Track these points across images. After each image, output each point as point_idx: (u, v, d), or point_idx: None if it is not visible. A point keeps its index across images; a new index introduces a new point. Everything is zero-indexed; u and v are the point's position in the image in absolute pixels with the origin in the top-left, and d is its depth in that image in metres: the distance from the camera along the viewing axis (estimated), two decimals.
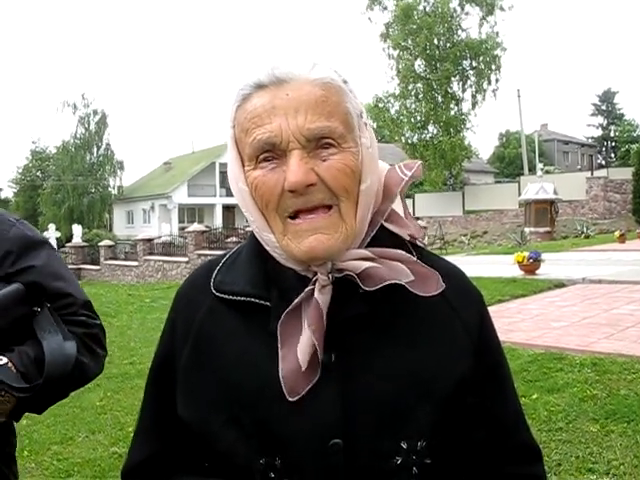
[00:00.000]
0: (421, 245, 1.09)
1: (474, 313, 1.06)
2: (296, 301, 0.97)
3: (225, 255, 1.14)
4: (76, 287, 1.77)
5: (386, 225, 1.04)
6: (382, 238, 1.02)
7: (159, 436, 1.10)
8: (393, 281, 0.95)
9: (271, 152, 0.94)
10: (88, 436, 5.44)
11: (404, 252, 0.99)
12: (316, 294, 0.96)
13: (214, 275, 1.09)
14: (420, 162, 1.10)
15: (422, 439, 0.96)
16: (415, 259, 0.99)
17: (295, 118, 0.93)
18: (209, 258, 1.24)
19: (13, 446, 1.78)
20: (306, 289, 0.97)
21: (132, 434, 4.02)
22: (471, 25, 49.42)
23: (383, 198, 1.04)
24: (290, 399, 0.94)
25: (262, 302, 1.01)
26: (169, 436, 1.07)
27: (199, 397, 1.03)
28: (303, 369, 0.94)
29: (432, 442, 0.96)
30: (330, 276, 0.97)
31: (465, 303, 1.06)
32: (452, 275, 1.07)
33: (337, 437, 0.94)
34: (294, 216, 0.95)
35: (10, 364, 1.49)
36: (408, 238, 1.05)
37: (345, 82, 1.00)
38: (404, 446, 0.95)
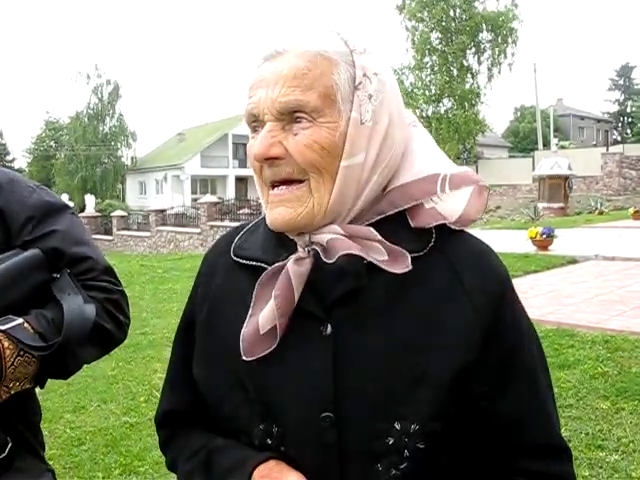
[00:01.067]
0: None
1: (490, 295, 0.99)
2: (272, 267, 0.99)
3: (251, 222, 1.17)
4: (98, 253, 1.74)
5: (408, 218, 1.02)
6: (390, 222, 1.01)
7: (182, 392, 1.15)
8: (348, 251, 0.94)
9: (256, 122, 0.98)
10: (100, 405, 5.49)
11: (372, 230, 0.97)
12: (289, 264, 0.97)
13: (235, 240, 1.13)
14: (482, 184, 1.06)
15: (416, 422, 0.94)
16: (380, 238, 0.96)
17: (273, 91, 0.94)
18: (235, 225, 1.26)
19: (39, 415, 1.77)
20: (290, 258, 0.99)
21: (143, 404, 4.05)
22: None
23: (400, 196, 1.01)
24: (245, 358, 0.97)
25: (267, 267, 1.03)
26: (190, 393, 1.12)
27: (209, 359, 1.07)
28: (261, 333, 0.97)
29: (427, 427, 0.94)
30: (307, 249, 0.98)
31: (482, 284, 1.00)
32: (474, 255, 1.04)
33: (328, 410, 0.95)
34: (272, 187, 0.98)
35: (26, 324, 1.48)
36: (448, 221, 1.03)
37: (352, 51, 0.98)
38: (397, 427, 0.94)
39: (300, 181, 0.96)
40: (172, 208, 29.55)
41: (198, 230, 24.33)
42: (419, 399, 0.94)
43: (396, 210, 1.01)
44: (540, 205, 26.55)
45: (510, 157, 50.69)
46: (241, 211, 25.13)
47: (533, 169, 31.67)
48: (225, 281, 1.11)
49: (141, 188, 56.36)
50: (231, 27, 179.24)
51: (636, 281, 8.97)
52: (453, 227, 1.04)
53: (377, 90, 0.98)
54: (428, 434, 0.94)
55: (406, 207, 1.01)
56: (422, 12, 38.86)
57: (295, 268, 0.97)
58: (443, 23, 38.86)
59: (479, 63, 40.34)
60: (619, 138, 70.91)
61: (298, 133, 0.94)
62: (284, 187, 0.96)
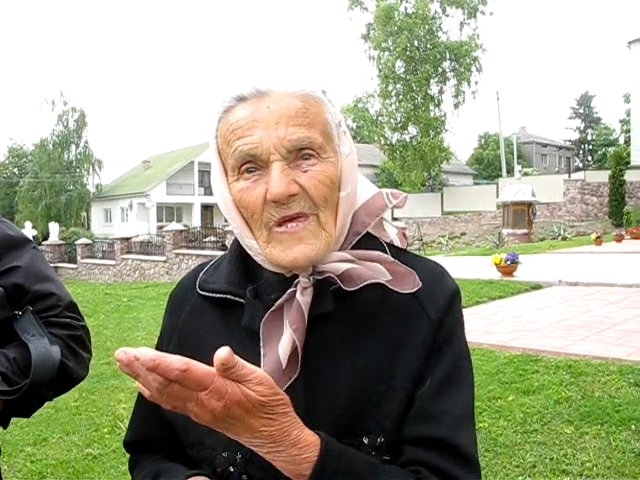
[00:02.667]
0: (402, 247, 1.16)
1: (440, 309, 1.05)
2: (279, 302, 1.01)
3: (214, 259, 1.21)
4: (61, 288, 1.73)
5: (370, 231, 1.11)
6: (364, 241, 1.08)
7: (147, 421, 1.18)
8: (373, 280, 0.99)
9: (252, 163, 0.98)
10: (62, 437, 5.39)
11: (382, 253, 1.03)
12: (298, 296, 1.00)
13: (200, 275, 1.16)
14: (406, 195, 1.15)
15: (382, 436, 0.98)
16: (392, 259, 1.02)
17: (276, 130, 0.95)
18: (202, 253, 1.29)
19: None
20: (288, 291, 1.01)
21: (107, 435, 3.99)
22: (452, 27, 49.61)
23: (366, 214, 1.09)
24: None
25: (237, 299, 1.07)
26: (156, 422, 1.14)
27: None
28: (284, 367, 0.97)
29: (390, 438, 0.99)
30: (311, 278, 1.01)
31: (435, 300, 1.05)
32: (428, 273, 1.08)
33: None
34: (278, 224, 0.99)
35: None
36: (388, 241, 1.14)
37: (324, 92, 1.03)
38: (365, 442, 0.98)
39: (307, 215, 0.99)
40: (137, 236, 29.24)
41: (164, 258, 24.11)
42: (384, 413, 0.99)
43: (366, 228, 1.08)
44: (504, 231, 26.93)
45: (475, 184, 51.39)
46: (207, 239, 24.93)
47: (497, 196, 32.13)
48: (192, 315, 1.14)
49: (106, 216, 55.85)
50: (197, 56, 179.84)
51: (598, 306, 9.10)
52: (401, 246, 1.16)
53: (345, 124, 1.07)
54: (391, 445, 0.99)
55: (372, 223, 1.08)
56: (387, 41, 39.46)
57: (303, 299, 1.00)
58: (407, 52, 39.47)
59: (443, 91, 41.01)
60: (581, 165, 72.28)
61: (308, 170, 0.98)
62: (295, 224, 0.98)
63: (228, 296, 1.07)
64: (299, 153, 0.97)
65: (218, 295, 1.09)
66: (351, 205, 1.06)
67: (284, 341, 0.98)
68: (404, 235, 1.23)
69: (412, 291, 1.01)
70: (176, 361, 0.76)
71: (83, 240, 30.69)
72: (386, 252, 1.07)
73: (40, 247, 29.80)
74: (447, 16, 40.14)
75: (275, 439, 0.85)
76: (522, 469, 3.97)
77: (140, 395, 1.21)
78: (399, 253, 1.12)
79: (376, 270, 1.01)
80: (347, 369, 1.00)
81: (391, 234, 1.18)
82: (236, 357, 0.79)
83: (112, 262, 26.96)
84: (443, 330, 1.04)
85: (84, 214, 56.41)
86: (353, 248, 1.06)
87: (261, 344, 1.00)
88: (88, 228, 52.86)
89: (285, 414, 0.85)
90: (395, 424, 0.99)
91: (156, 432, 1.16)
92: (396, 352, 1.01)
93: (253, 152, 0.96)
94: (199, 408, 0.80)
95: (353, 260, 1.01)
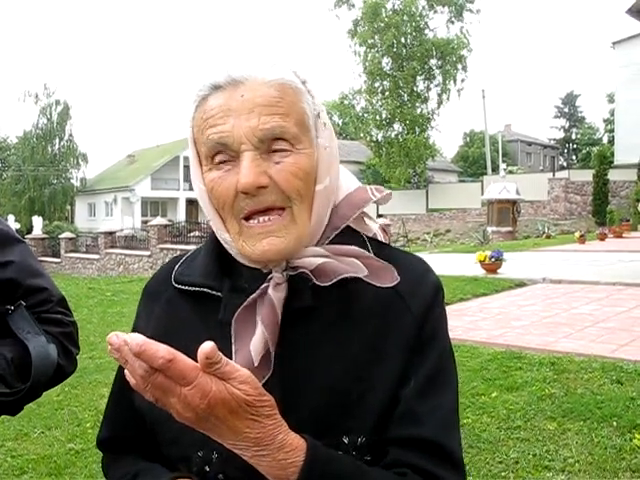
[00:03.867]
0: (384, 241, 1.14)
1: (423, 302, 1.02)
2: (250, 298, 0.98)
3: (190, 251, 1.17)
4: (52, 283, 1.72)
5: (352, 225, 1.08)
6: (344, 236, 1.04)
7: (122, 418, 1.15)
8: (347, 275, 0.96)
9: (225, 153, 0.95)
10: (44, 432, 5.35)
11: (358, 248, 1.00)
12: (270, 291, 0.97)
13: (176, 268, 1.13)
14: (390, 192, 1.13)
15: (362, 435, 0.95)
16: (369, 254, 0.99)
17: (248, 119, 0.93)
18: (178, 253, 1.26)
19: None
20: (262, 286, 0.98)
21: (89, 430, 3.97)
22: (438, 25, 49.81)
23: (347, 208, 1.06)
24: None
25: (214, 292, 1.04)
26: (130, 419, 1.11)
27: None
28: (255, 364, 0.95)
29: (372, 438, 0.96)
30: (284, 274, 0.98)
31: (417, 295, 1.03)
32: (410, 268, 1.06)
33: None
34: (248, 217, 0.96)
35: None
36: (371, 235, 1.12)
37: (304, 82, 1.00)
38: (345, 441, 0.95)
39: (282, 208, 0.96)
40: (122, 230, 29.14)
41: (148, 253, 24.01)
42: (365, 412, 0.96)
43: (346, 222, 1.04)
44: (489, 229, 27.06)
45: (460, 181, 51.56)
46: (192, 234, 24.88)
47: (482, 193, 32.28)
48: (167, 309, 1.10)
49: (90, 210, 55.54)
50: (182, 49, 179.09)
51: (582, 304, 9.17)
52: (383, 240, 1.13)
53: (326, 116, 1.04)
54: (373, 445, 0.96)
55: (353, 217, 1.05)
56: (373, 38, 39.46)
57: (276, 295, 0.97)
58: (394, 49, 39.51)
59: (429, 89, 41.08)
60: (565, 164, 72.79)
61: (280, 161, 0.94)
62: (267, 217, 0.96)
63: (204, 289, 1.04)
64: (272, 144, 0.94)
65: (194, 288, 1.06)
66: (329, 199, 1.02)
67: (256, 338, 0.95)
68: (385, 231, 1.21)
69: (390, 285, 0.98)
70: (162, 350, 0.75)
71: (67, 234, 30.49)
72: (367, 247, 1.04)
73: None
74: (435, 13, 40.20)
75: (260, 442, 0.82)
76: (505, 465, 3.99)
77: (115, 391, 1.19)
78: (381, 248, 1.09)
79: (353, 265, 0.97)
80: (327, 366, 0.97)
81: (373, 228, 1.16)
82: (220, 353, 0.77)
83: (96, 256, 26.82)
84: (427, 327, 1.02)
85: (68, 208, 56.05)
86: (332, 242, 1.03)
87: (232, 341, 0.97)
88: (72, 222, 52.57)
89: (270, 416, 0.83)
90: (377, 424, 0.96)
91: (131, 429, 1.12)
92: (378, 350, 0.98)
93: (224, 141, 0.94)
94: (182, 405, 0.78)
95: (328, 255, 0.98)
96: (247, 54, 1.01)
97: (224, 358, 0.78)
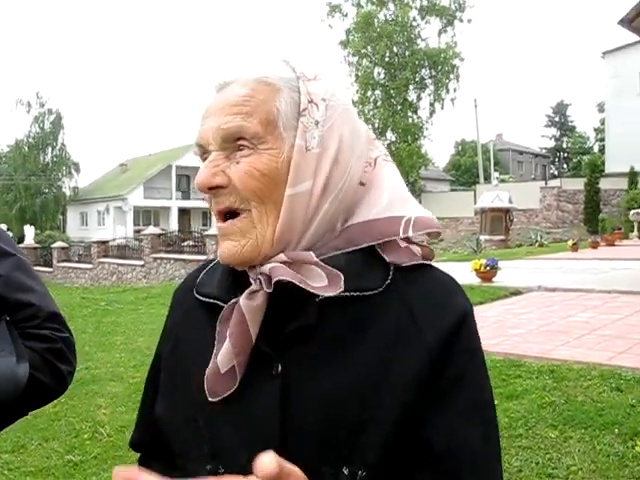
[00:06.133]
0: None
1: (442, 331, 0.93)
2: (230, 303, 0.96)
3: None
4: (43, 298, 1.66)
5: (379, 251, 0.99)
6: (356, 252, 0.97)
7: (147, 425, 1.14)
8: (282, 278, 0.90)
9: (206, 153, 0.96)
10: (41, 444, 5.30)
11: (310, 253, 0.93)
12: (241, 299, 0.94)
13: (201, 275, 1.11)
14: (437, 230, 1.03)
15: (363, 468, 0.89)
16: (315, 260, 0.92)
17: (216, 120, 0.93)
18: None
19: None
20: (244, 293, 0.95)
21: (87, 441, 3.92)
22: (430, 35, 50.02)
23: (360, 234, 0.97)
24: (210, 399, 0.95)
25: (225, 305, 0.99)
26: (155, 427, 1.10)
27: (168, 395, 1.06)
28: (222, 372, 0.94)
29: (374, 472, 0.89)
30: (257, 281, 0.94)
31: (434, 320, 0.93)
32: (432, 291, 0.98)
33: (274, 452, 0.90)
34: (220, 219, 0.96)
35: None
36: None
37: (299, 77, 0.96)
38: (345, 472, 0.89)
39: (245, 210, 0.94)
40: (114, 240, 29.04)
41: (141, 262, 23.94)
42: (366, 444, 0.89)
43: (353, 248, 0.96)
44: (482, 237, 27.11)
45: (452, 190, 51.74)
46: (185, 243, 24.84)
47: (475, 202, 32.38)
48: (186, 318, 1.09)
49: (82, 219, 55.39)
50: (175, 58, 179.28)
51: (578, 311, 9.17)
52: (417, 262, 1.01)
53: (326, 116, 0.96)
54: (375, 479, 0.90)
55: (363, 246, 0.96)
56: (366, 48, 39.64)
57: (247, 302, 0.93)
58: (386, 59, 39.70)
59: (421, 98, 41.26)
60: (556, 172, 73.16)
61: (240, 161, 0.92)
62: (229, 220, 0.95)
63: (216, 301, 1.01)
64: (236, 144, 0.92)
65: (208, 300, 1.04)
66: (310, 205, 0.94)
67: (224, 347, 0.93)
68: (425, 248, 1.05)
69: (331, 294, 0.91)
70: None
71: (59, 243, 30.42)
72: (388, 265, 0.97)
73: None
74: (426, 23, 40.42)
75: None
76: (509, 474, 3.97)
77: (144, 394, 1.19)
78: (405, 274, 0.98)
79: (311, 273, 0.92)
80: (328, 389, 0.91)
81: (414, 251, 1.02)
82: (282, 463, 0.72)
83: (89, 266, 26.74)
84: (449, 366, 0.92)
85: (60, 217, 55.90)
86: (337, 258, 0.95)
87: (215, 343, 0.96)
88: (64, 231, 52.43)
89: None
90: (380, 459, 0.89)
91: (156, 437, 1.10)
92: (383, 378, 0.91)
93: (200, 142, 0.96)
94: None
95: (285, 261, 0.93)
96: (243, 55, 1.01)
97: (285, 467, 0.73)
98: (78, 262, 28.25)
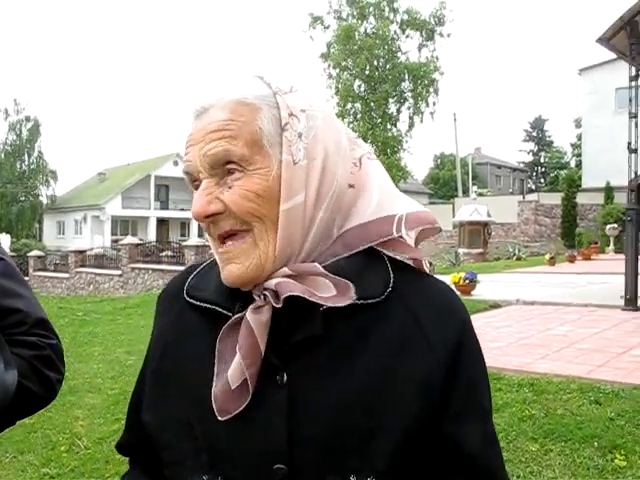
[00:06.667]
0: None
1: (449, 339, 0.96)
2: (233, 318, 0.96)
3: (206, 261, 1.13)
4: (30, 304, 1.64)
5: (384, 251, 1.01)
6: (358, 255, 0.98)
7: (135, 430, 1.13)
8: (293, 293, 0.91)
9: (197, 182, 0.96)
10: (17, 457, 5.21)
11: (316, 265, 0.94)
12: (248, 314, 0.94)
13: (189, 279, 1.09)
14: (435, 227, 1.05)
15: (371, 476, 0.90)
16: (324, 271, 0.93)
17: (201, 148, 0.93)
18: (189, 264, 1.22)
19: None
20: (249, 308, 0.95)
21: (64, 454, 3.85)
22: (411, 49, 50.31)
23: (357, 238, 0.99)
24: (220, 418, 0.93)
25: (225, 312, 0.99)
26: (143, 433, 1.09)
27: (159, 402, 1.04)
28: (232, 388, 0.93)
29: (383, 479, 0.91)
30: (261, 296, 0.94)
31: (440, 327, 0.97)
32: (434, 298, 1.01)
33: (281, 462, 0.91)
34: (220, 242, 0.96)
35: None
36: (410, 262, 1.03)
37: (276, 92, 0.96)
38: None
39: (246, 231, 0.94)
40: (92, 249, 28.82)
41: (119, 272, 23.78)
42: (375, 452, 0.91)
43: (351, 252, 0.98)
44: (460, 250, 27.24)
45: (430, 203, 52.03)
46: (163, 253, 24.72)
47: (453, 215, 32.55)
48: (177, 324, 1.07)
49: (59, 228, 54.93)
50: (155, 69, 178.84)
51: (556, 325, 9.24)
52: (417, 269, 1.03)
53: (307, 127, 0.96)
54: None
55: (361, 249, 0.98)
56: (346, 60, 39.75)
57: (255, 317, 0.93)
58: (367, 72, 39.82)
59: (400, 111, 41.46)
60: (534, 187, 73.91)
61: (232, 185, 0.92)
62: (230, 242, 0.95)
63: (216, 307, 1.00)
64: (224, 168, 0.92)
65: (205, 305, 1.02)
66: (306, 217, 0.95)
67: (234, 362, 0.93)
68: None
69: (342, 304, 0.92)
70: None
71: (35, 252, 30.13)
72: (388, 271, 0.99)
73: None
74: (407, 37, 40.67)
75: None
76: None
77: (132, 396, 1.17)
78: (405, 272, 1.01)
79: (317, 284, 0.93)
80: (335, 398, 0.92)
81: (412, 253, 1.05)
82: None
83: (66, 275, 26.50)
84: (460, 372, 0.96)
85: (36, 226, 55.37)
86: (339, 262, 0.97)
87: (216, 362, 0.95)
88: (40, 240, 51.92)
89: None
90: (389, 466, 0.91)
91: (144, 442, 1.09)
92: (391, 385, 0.93)
93: (188, 170, 0.96)
94: None
95: (290, 275, 0.94)
96: (217, 77, 1.00)
97: None
98: (54, 271, 27.98)
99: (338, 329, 0.94)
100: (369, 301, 0.95)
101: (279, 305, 0.91)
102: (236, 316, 0.95)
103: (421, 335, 0.95)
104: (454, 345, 0.96)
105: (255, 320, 0.93)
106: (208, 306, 1.02)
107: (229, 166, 0.92)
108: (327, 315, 0.94)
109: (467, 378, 0.98)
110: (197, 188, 0.96)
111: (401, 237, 1.01)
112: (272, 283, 0.93)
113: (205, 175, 0.93)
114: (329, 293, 0.93)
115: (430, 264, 1.07)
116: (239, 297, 0.99)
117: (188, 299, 1.06)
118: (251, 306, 0.94)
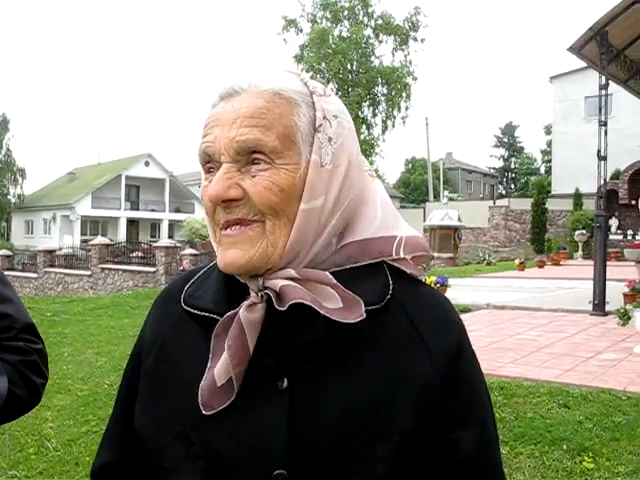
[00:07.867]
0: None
1: (447, 348, 0.97)
2: (225, 317, 0.94)
3: (205, 267, 1.11)
4: (17, 308, 1.63)
5: (389, 262, 1.01)
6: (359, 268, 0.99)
7: (124, 442, 1.09)
8: (301, 301, 0.89)
9: (212, 163, 0.93)
10: None
11: (327, 274, 0.93)
12: (240, 311, 0.92)
13: (186, 287, 1.07)
14: (428, 255, 1.07)
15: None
16: (335, 282, 0.92)
17: (230, 130, 0.91)
18: (191, 268, 1.19)
19: None
20: (244, 304, 0.94)
21: (33, 456, 3.80)
22: (384, 53, 50.58)
23: (358, 252, 0.99)
24: (204, 412, 0.92)
25: (219, 318, 0.97)
26: (130, 444, 1.06)
27: (153, 408, 1.01)
28: (218, 385, 0.92)
29: None
30: (260, 294, 0.93)
31: (439, 333, 0.97)
32: (431, 305, 1.02)
33: (282, 468, 0.90)
34: (225, 227, 0.93)
35: None
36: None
37: (312, 93, 0.96)
38: None
39: (256, 221, 0.92)
40: (61, 249, 28.48)
41: (89, 272, 23.53)
42: (377, 457, 0.90)
43: (354, 265, 0.98)
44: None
45: (402, 207, 52.21)
46: (133, 254, 24.52)
47: (424, 220, 32.73)
48: (174, 331, 1.05)
49: (28, 227, 54.19)
50: (128, 68, 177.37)
51: (526, 329, 9.36)
52: (414, 277, 1.04)
53: (337, 133, 0.97)
54: None
55: (364, 264, 0.98)
56: (320, 64, 39.82)
57: (247, 315, 0.92)
58: (340, 75, 39.93)
59: (374, 115, 41.63)
60: (504, 192, 74.66)
61: (256, 175, 0.90)
62: (236, 227, 0.92)
63: (212, 315, 0.98)
64: (250, 157, 0.90)
65: (203, 313, 1.00)
66: (321, 221, 0.95)
67: (221, 359, 0.92)
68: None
69: (353, 321, 0.90)
70: None
71: (3, 251, 29.68)
72: (387, 278, 0.99)
73: None
74: (380, 42, 40.87)
75: None
76: None
77: (113, 413, 1.14)
78: (403, 280, 1.01)
79: (324, 293, 0.92)
80: (337, 402, 0.91)
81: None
82: None
83: (34, 275, 26.15)
84: (460, 378, 0.97)
85: (4, 224, 54.51)
86: (347, 271, 0.97)
87: (209, 357, 0.94)
88: (7, 239, 51.13)
89: None
90: (391, 470, 0.90)
91: (130, 455, 1.07)
92: (392, 389, 0.93)
93: (209, 151, 0.93)
94: None
95: (296, 278, 0.92)
96: (259, 64, 1.00)
97: None
98: (23, 271, 27.59)
99: (339, 334, 0.93)
100: (369, 307, 0.93)
101: (283, 309, 0.90)
102: (231, 312, 0.94)
103: (421, 340, 0.96)
104: (453, 350, 0.97)
105: (247, 318, 0.92)
106: (205, 314, 1.00)
107: (255, 155, 0.90)
108: (327, 319, 0.92)
109: (466, 382, 0.99)
110: (208, 170, 0.95)
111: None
112: (276, 284, 0.92)
113: (228, 159, 0.91)
114: (335, 305, 0.91)
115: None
116: (235, 303, 0.97)
117: (185, 307, 1.04)
118: (245, 303, 0.93)
